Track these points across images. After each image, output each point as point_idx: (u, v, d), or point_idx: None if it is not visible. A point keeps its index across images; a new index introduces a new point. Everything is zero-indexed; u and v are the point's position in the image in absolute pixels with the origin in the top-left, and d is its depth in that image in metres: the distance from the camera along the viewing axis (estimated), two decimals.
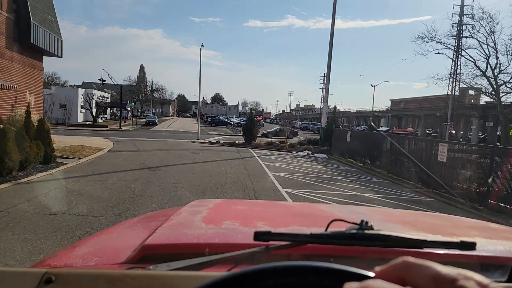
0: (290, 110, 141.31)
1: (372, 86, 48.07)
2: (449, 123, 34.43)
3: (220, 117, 64.59)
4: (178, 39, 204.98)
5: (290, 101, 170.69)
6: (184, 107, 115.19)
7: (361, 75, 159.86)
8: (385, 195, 10.18)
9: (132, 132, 34.05)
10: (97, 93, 41.24)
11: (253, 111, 26.36)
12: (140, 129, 39.53)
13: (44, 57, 16.50)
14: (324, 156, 20.40)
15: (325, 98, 23.99)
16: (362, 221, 0.90)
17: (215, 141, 26.04)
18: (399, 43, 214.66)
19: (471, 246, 0.89)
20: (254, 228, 1.31)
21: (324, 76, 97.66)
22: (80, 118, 39.90)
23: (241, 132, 39.71)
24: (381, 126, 47.93)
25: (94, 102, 39.35)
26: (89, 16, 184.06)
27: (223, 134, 38.76)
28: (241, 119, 62.67)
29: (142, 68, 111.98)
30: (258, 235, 0.87)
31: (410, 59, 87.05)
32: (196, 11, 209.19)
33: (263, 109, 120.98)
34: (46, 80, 74.47)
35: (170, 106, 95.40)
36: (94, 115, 39.39)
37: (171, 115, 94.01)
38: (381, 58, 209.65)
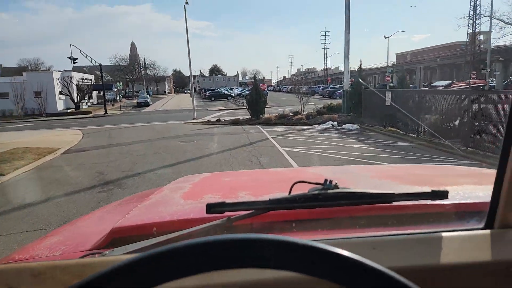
0: (292, 75, 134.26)
1: (385, 37, 41.99)
2: (488, 70, 28.94)
3: (220, 90, 59.02)
4: (168, 12, 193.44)
5: (291, 65, 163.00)
6: (181, 82, 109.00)
7: (365, 29, 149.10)
8: None
9: (119, 117, 29.22)
10: (76, 76, 35.95)
11: (258, 79, 21.16)
12: (130, 112, 34.66)
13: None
14: (356, 127, 15.57)
15: (346, 52, 18.73)
16: (325, 180, 0.86)
17: (215, 119, 21.23)
18: None
19: (443, 195, 0.85)
20: (235, 199, 1.16)
21: (325, 36, 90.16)
22: (60, 106, 35.03)
23: (244, 104, 34.69)
24: (433, 81, 41.54)
25: (74, 86, 34.25)
26: None
27: (224, 108, 33.81)
28: (242, 90, 57.16)
29: (133, 46, 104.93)
30: (211, 207, 0.81)
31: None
32: None
33: (263, 77, 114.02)
34: (29, 67, 68.92)
35: (166, 83, 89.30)
36: (76, 100, 34.43)
37: (168, 92, 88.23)
38: (380, 12, 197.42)
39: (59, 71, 37.25)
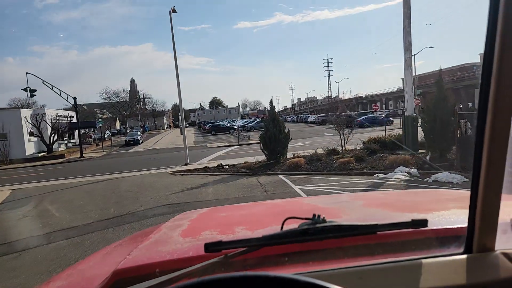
0: (292, 105, 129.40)
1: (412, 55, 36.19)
2: None
3: (221, 122, 52.74)
4: (170, 50, 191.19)
5: (293, 95, 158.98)
6: None
7: (374, 53, 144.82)
8: None
9: (94, 162, 22.49)
10: (50, 113, 29.53)
11: (274, 107, 14.43)
12: (113, 154, 27.96)
13: None
14: (460, 178, 8.68)
15: (407, 61, 12.27)
16: (314, 215, 0.90)
17: (215, 165, 14.45)
18: (393, 26, 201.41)
19: (422, 223, 0.88)
20: (232, 235, 1.30)
21: (328, 63, 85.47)
22: (31, 149, 28.40)
23: (250, 138, 28.05)
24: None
25: (47, 125, 27.79)
26: (77, 40, 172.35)
27: (226, 144, 27.20)
28: (245, 121, 50.98)
29: (133, 82, 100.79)
30: (209, 247, 0.85)
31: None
32: (183, 20, 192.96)
33: (265, 108, 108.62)
34: (21, 105, 63.11)
35: (164, 118, 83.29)
36: (49, 142, 27.81)
37: (167, 127, 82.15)
38: (371, 43, 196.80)
39: (31, 108, 31.02)
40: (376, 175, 9.97)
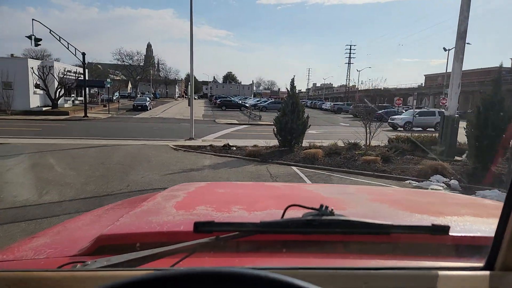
0: (307, 89, 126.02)
1: (445, 50, 33.33)
2: None
3: (232, 99, 50.85)
4: (189, 18, 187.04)
5: (309, 79, 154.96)
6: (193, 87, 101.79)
7: (400, 44, 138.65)
8: None
9: (97, 124, 21.24)
10: (58, 67, 28.06)
11: (295, 88, 12.65)
12: (118, 117, 26.65)
13: None
14: None
15: (460, 50, 10.24)
16: (321, 206, 0.80)
17: (221, 144, 13.02)
18: (422, 19, 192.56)
19: (444, 230, 0.78)
20: (227, 213, 1.20)
21: (350, 50, 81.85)
22: (35, 102, 27.24)
23: (261, 119, 26.56)
24: None
25: (54, 79, 26.44)
26: None
27: (236, 122, 25.66)
28: (258, 100, 49.12)
29: (149, 47, 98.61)
30: (198, 226, 0.75)
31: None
32: None
33: (279, 89, 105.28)
34: (36, 57, 61.94)
35: (176, 87, 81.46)
36: (54, 97, 26.53)
37: (178, 97, 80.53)
38: (395, 35, 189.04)
39: (38, 59, 29.61)
40: (408, 181, 8.41)
